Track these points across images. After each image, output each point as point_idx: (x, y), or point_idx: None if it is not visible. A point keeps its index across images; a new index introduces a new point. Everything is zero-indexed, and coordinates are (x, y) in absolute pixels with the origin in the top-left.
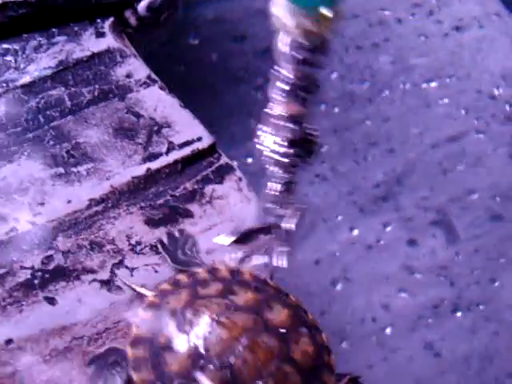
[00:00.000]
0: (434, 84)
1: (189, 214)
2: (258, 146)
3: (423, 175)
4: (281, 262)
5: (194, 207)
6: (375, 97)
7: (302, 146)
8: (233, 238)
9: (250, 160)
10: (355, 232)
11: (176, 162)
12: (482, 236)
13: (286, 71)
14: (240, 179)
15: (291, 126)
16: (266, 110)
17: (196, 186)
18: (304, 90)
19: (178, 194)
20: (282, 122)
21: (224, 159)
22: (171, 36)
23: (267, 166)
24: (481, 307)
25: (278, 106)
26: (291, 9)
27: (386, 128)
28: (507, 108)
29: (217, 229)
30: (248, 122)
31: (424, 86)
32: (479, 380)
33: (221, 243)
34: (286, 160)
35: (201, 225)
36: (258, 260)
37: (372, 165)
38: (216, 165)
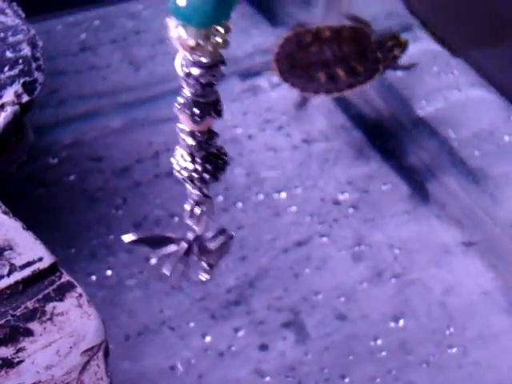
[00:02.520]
0: (283, 194)
1: (29, 333)
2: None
3: (274, 278)
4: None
5: (34, 325)
6: (230, 207)
7: (209, 162)
8: (135, 237)
9: (109, 272)
10: (207, 338)
11: (17, 282)
12: (331, 334)
13: (184, 90)
14: (81, 295)
15: (192, 142)
16: (177, 125)
17: (37, 305)
18: (197, 106)
19: (18, 314)
20: (187, 138)
21: (66, 277)
22: (30, 157)
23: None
24: None
25: (182, 123)
26: (185, 29)
27: (239, 236)
28: (350, 211)
29: (56, 344)
30: (107, 236)
31: (275, 196)
32: None
33: (125, 240)
34: (196, 176)
35: (41, 342)
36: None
37: (225, 271)
38: (57, 283)
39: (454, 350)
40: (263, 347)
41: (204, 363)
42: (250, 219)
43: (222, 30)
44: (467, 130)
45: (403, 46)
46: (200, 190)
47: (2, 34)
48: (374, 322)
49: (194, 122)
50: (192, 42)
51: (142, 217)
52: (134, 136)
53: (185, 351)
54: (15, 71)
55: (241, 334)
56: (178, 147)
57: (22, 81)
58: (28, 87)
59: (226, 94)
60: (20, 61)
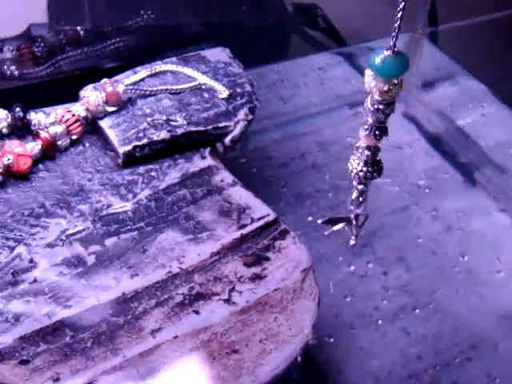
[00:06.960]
0: (387, 180)
1: (268, 259)
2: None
3: (388, 230)
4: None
5: (270, 254)
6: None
7: (374, 166)
8: (323, 220)
9: None
10: (352, 267)
11: (257, 228)
12: (427, 265)
13: (368, 118)
14: (294, 237)
15: (368, 153)
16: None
17: (269, 242)
18: (378, 130)
19: (260, 247)
20: (361, 150)
21: (283, 226)
22: (231, 158)
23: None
24: (431, 306)
25: (360, 140)
26: (376, 78)
27: None
28: (427, 191)
29: (285, 266)
30: (278, 205)
31: (379, 180)
32: (436, 348)
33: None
34: (362, 174)
35: (275, 264)
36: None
37: None
38: (279, 229)
39: (502, 274)
40: (385, 273)
41: (351, 282)
42: (368, 198)
43: (399, 81)
44: (491, 140)
45: None
46: (365, 185)
47: (233, 78)
48: (450, 257)
49: (375, 139)
50: (382, 88)
51: (298, 192)
52: (287, 143)
53: (338, 275)
54: (243, 100)
55: (370, 265)
56: (352, 157)
57: (248, 106)
58: (251, 110)
59: (340, 117)
60: (245, 94)
